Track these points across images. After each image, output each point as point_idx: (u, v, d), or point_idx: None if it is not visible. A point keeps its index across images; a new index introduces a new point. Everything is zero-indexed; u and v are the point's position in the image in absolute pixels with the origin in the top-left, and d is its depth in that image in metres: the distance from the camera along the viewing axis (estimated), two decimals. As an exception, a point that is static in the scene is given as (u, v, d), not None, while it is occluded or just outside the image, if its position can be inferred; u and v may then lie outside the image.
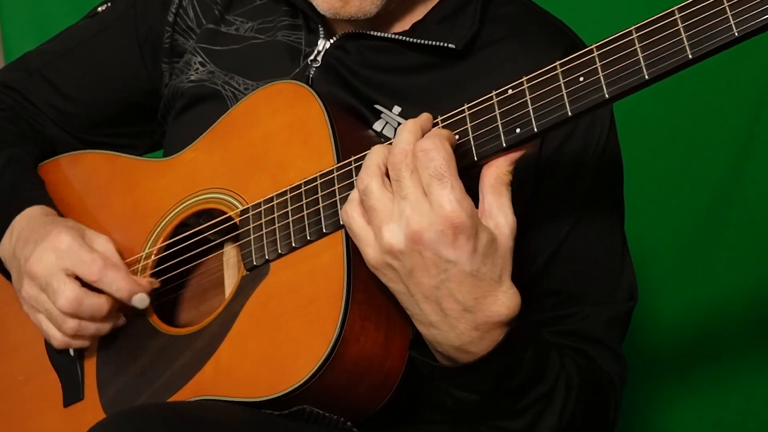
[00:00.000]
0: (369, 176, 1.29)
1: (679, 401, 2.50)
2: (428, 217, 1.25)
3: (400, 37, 1.54)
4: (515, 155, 1.30)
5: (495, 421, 1.41)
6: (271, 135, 1.52)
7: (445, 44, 1.51)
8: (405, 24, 1.57)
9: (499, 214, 1.29)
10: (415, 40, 1.53)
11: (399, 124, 1.52)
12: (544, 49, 1.51)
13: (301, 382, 1.35)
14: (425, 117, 1.32)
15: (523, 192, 1.46)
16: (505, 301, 1.30)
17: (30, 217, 1.62)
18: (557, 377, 1.40)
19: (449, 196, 1.24)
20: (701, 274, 2.47)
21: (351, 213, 1.32)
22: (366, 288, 1.38)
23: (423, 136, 1.29)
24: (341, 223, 1.38)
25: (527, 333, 1.35)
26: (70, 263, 1.52)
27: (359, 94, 1.55)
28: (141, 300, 1.54)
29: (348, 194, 1.39)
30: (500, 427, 1.41)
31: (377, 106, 1.54)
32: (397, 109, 1.53)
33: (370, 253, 1.30)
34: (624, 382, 1.54)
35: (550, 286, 1.51)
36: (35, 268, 1.53)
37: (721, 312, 2.47)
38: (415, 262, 1.27)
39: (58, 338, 1.55)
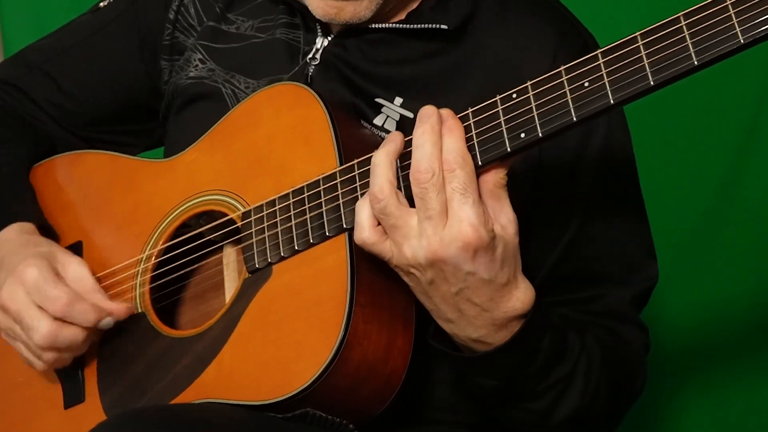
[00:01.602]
0: (385, 195, 1.30)
1: (679, 401, 2.51)
2: (449, 235, 1.27)
3: (395, 25, 1.55)
4: (509, 161, 1.32)
5: (516, 403, 1.43)
6: (273, 137, 1.52)
7: (437, 26, 1.52)
8: (402, 15, 1.58)
9: (501, 216, 1.31)
10: (409, 26, 1.54)
11: (401, 116, 1.53)
12: (542, 29, 1.52)
13: (305, 385, 1.35)
14: (435, 120, 1.31)
15: (524, 185, 1.48)
16: (519, 296, 1.33)
17: (5, 239, 1.60)
18: (578, 359, 1.42)
19: (469, 211, 1.26)
20: (701, 274, 2.47)
21: (365, 238, 1.32)
22: (369, 291, 1.38)
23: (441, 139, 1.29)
24: (344, 226, 1.38)
25: (544, 320, 1.37)
26: (38, 299, 1.51)
27: (359, 89, 1.55)
28: (106, 323, 1.53)
29: (351, 198, 1.40)
30: (521, 408, 1.43)
31: (378, 100, 1.54)
32: (398, 100, 1.53)
33: (393, 262, 1.33)
34: (648, 348, 1.58)
35: (572, 270, 1.53)
36: (7, 303, 1.52)
37: (720, 312, 2.47)
38: (436, 274, 1.30)
39: (39, 365, 1.56)
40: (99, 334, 1.56)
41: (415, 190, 1.28)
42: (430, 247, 1.28)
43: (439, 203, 1.27)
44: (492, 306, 1.31)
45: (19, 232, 1.61)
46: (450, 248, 1.27)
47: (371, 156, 1.38)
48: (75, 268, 1.54)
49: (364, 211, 1.33)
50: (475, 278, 1.29)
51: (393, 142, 1.33)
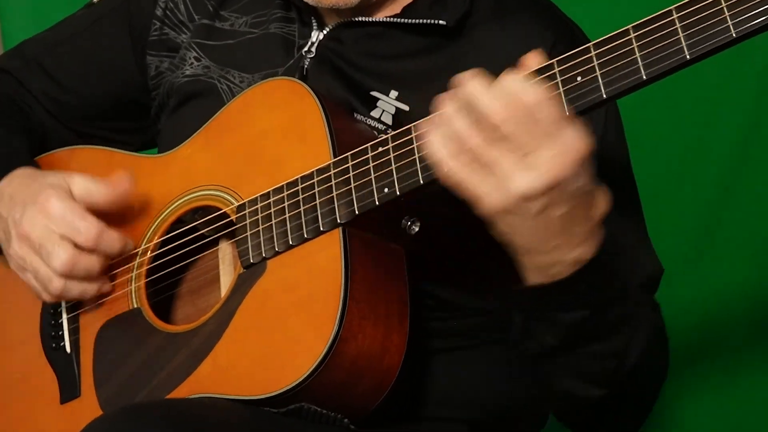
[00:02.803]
0: (479, 131, 1.25)
1: (678, 401, 2.50)
2: (563, 159, 1.23)
3: (392, 19, 1.55)
4: None
5: (598, 344, 1.39)
6: (267, 132, 1.52)
7: (436, 21, 1.52)
8: (396, 8, 1.58)
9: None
10: (406, 21, 1.54)
11: (396, 109, 1.53)
12: (537, 28, 1.52)
13: (299, 380, 1.35)
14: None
15: None
16: (603, 198, 1.32)
17: (14, 176, 1.63)
18: (635, 299, 1.42)
19: (577, 131, 1.24)
20: (701, 274, 2.47)
21: (455, 165, 1.26)
22: (364, 286, 1.38)
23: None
24: (338, 221, 1.38)
25: None
26: (66, 231, 1.54)
27: (355, 83, 1.56)
28: (109, 241, 1.56)
29: (344, 191, 1.40)
30: (603, 353, 1.40)
31: (373, 93, 1.54)
32: (393, 93, 1.54)
33: (494, 199, 1.26)
34: (661, 331, 1.56)
35: None
36: (29, 231, 1.55)
37: (721, 312, 2.46)
38: (550, 200, 1.25)
39: (46, 296, 1.58)
40: (106, 280, 1.59)
41: (509, 128, 1.22)
42: (548, 173, 1.23)
43: (541, 131, 1.23)
44: (591, 215, 1.30)
45: (26, 171, 1.64)
46: (568, 170, 1.23)
47: (365, 148, 1.39)
48: (79, 182, 1.59)
49: (439, 144, 1.28)
50: (581, 191, 1.26)
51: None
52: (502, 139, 1.23)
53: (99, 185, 1.58)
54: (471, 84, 1.26)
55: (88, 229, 1.53)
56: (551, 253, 1.31)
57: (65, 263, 1.53)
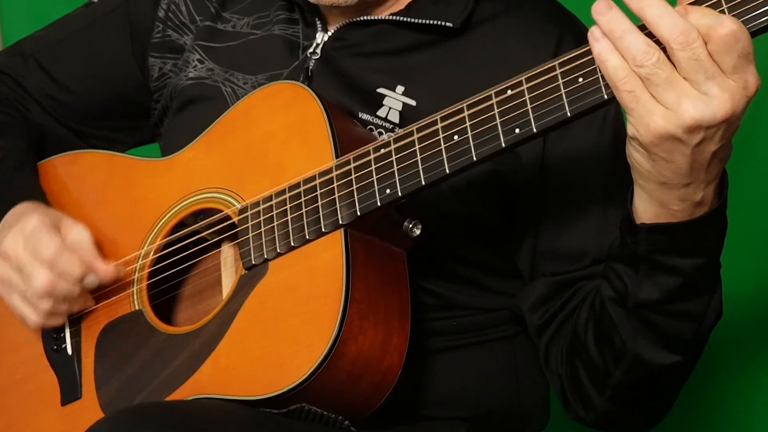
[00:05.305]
0: (654, 50, 1.20)
1: (678, 402, 2.50)
2: (736, 95, 1.20)
3: (397, 17, 1.56)
4: None
5: (690, 301, 1.37)
6: (270, 135, 1.52)
7: (443, 23, 1.53)
8: (400, 4, 1.59)
9: None
10: (411, 20, 1.55)
11: (403, 104, 1.53)
12: (544, 24, 1.53)
13: (300, 380, 1.36)
14: None
15: (531, 176, 1.48)
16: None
17: (16, 210, 1.63)
18: None
19: (754, 71, 1.21)
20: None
21: (632, 84, 1.22)
22: (365, 287, 1.38)
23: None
24: (339, 222, 1.38)
25: None
26: (31, 245, 1.54)
27: (360, 82, 1.56)
28: (91, 281, 1.56)
29: (346, 192, 1.40)
30: (687, 313, 1.38)
31: (380, 90, 1.55)
32: (400, 88, 1.54)
33: (658, 123, 1.22)
34: None
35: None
36: (8, 250, 1.56)
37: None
38: (709, 134, 1.22)
39: (32, 318, 1.57)
40: (89, 299, 1.59)
41: (682, 55, 1.18)
42: (722, 105, 1.20)
43: (713, 63, 1.19)
44: (726, 159, 1.28)
45: (29, 205, 1.64)
46: (738, 107, 1.21)
47: (367, 150, 1.39)
48: (78, 231, 1.58)
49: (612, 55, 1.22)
50: (732, 132, 1.24)
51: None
52: (685, 61, 1.19)
53: (92, 247, 1.57)
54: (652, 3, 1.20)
55: (47, 244, 1.53)
56: (682, 190, 1.28)
57: (45, 285, 1.53)
